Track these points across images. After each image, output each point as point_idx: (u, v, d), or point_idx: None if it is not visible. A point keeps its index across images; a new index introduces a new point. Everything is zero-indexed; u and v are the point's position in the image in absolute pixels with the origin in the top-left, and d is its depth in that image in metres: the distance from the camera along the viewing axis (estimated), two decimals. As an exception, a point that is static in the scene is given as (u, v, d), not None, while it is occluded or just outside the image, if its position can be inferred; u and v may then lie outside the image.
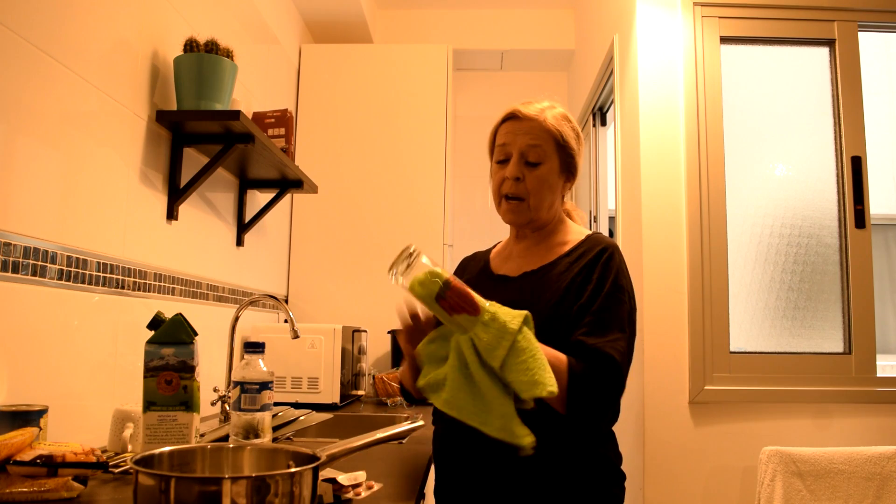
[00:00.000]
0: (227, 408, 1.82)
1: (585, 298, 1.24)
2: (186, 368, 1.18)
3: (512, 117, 1.35)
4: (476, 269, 1.47)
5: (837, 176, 2.28)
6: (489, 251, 1.51)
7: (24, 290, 1.24)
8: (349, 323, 2.70)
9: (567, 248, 1.34)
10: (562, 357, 1.17)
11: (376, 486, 1.14)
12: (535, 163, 1.32)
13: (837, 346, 2.23)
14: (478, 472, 1.25)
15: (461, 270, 1.53)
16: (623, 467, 1.33)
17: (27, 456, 0.98)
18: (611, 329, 1.21)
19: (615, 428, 1.33)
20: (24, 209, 1.25)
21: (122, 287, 1.57)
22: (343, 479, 1.08)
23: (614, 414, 1.27)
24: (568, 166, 1.36)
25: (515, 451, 1.22)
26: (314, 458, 0.84)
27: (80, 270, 1.40)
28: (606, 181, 3.18)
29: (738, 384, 2.16)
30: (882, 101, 5.13)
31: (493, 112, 1.43)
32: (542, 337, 1.21)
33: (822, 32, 2.33)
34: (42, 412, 1.14)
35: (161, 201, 1.78)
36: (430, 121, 3.18)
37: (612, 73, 2.70)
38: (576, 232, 1.40)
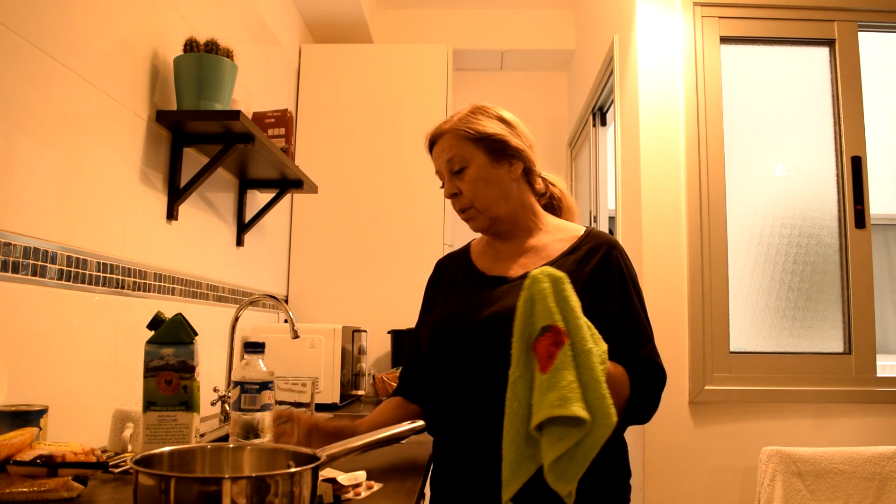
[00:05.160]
0: (227, 408, 1.82)
1: (615, 309, 1.24)
2: (186, 368, 1.18)
3: (430, 145, 1.38)
4: (460, 271, 1.40)
5: (837, 176, 2.28)
6: (466, 251, 1.44)
7: (24, 290, 1.24)
8: (349, 323, 2.70)
9: (566, 244, 1.31)
10: (625, 372, 1.20)
11: (376, 486, 1.14)
12: (459, 170, 1.32)
13: (837, 346, 2.23)
14: (484, 465, 1.24)
15: (440, 275, 1.45)
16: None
17: (27, 456, 0.98)
18: (647, 337, 1.26)
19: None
20: (24, 209, 1.25)
21: (122, 287, 1.57)
22: (343, 479, 1.08)
23: None
24: (499, 153, 1.31)
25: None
26: (314, 458, 0.84)
27: (80, 270, 1.40)
28: (606, 181, 3.18)
29: (738, 384, 2.16)
30: (882, 101, 5.13)
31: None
32: None
33: (822, 32, 2.33)
34: (42, 412, 1.14)
35: (161, 201, 1.78)
36: (430, 121, 3.10)
37: (612, 73, 2.70)
38: (565, 227, 1.36)
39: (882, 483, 1.99)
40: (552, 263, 1.28)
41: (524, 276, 1.27)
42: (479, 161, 1.30)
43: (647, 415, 1.25)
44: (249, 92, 2.45)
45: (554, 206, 1.44)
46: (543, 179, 1.43)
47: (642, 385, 1.21)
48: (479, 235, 1.46)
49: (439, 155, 1.35)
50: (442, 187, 1.37)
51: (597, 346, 1.07)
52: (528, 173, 1.36)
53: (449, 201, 1.38)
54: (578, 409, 0.98)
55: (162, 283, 1.77)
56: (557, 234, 1.34)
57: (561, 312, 1.04)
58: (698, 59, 2.29)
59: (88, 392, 1.45)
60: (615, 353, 1.19)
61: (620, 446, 1.30)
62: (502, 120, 1.34)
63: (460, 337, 1.27)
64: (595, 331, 1.09)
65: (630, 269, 1.29)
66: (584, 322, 1.06)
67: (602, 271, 1.25)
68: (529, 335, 1.05)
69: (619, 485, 1.28)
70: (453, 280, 1.39)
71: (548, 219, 1.38)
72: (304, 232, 3.12)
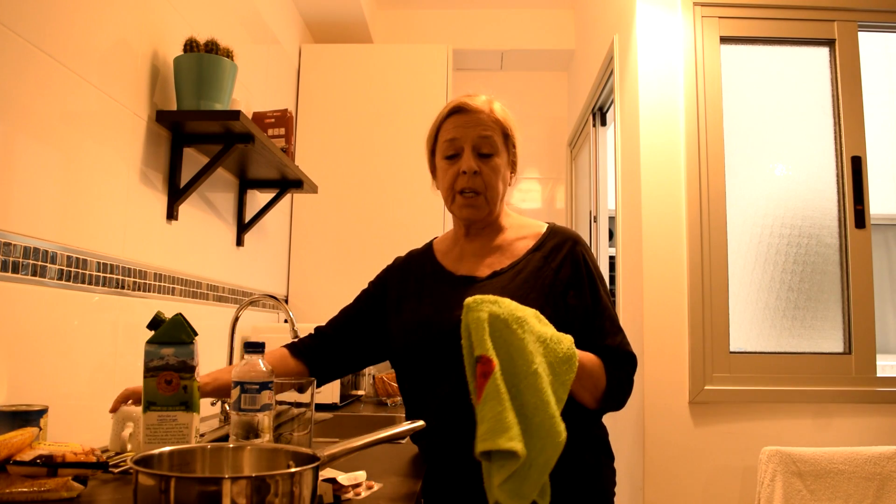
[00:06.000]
0: (227, 408, 1.82)
1: (588, 302, 1.27)
2: (186, 368, 1.18)
3: (458, 111, 1.33)
4: (426, 270, 1.40)
5: (837, 176, 2.28)
6: (429, 250, 1.45)
7: (24, 290, 1.24)
8: (349, 323, 2.70)
9: (530, 242, 1.34)
10: (599, 361, 1.24)
11: (376, 486, 1.14)
12: (488, 154, 1.31)
13: (837, 346, 2.23)
14: (467, 464, 1.24)
15: (403, 273, 1.44)
16: (623, 467, 1.35)
17: (27, 456, 0.98)
18: (617, 326, 1.29)
19: (614, 425, 1.35)
20: (24, 209, 1.25)
21: (122, 287, 1.57)
22: (343, 479, 1.08)
23: None
24: (512, 158, 1.37)
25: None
26: (314, 458, 0.84)
27: (80, 270, 1.40)
28: (606, 181, 3.18)
29: (738, 384, 2.16)
30: (882, 101, 5.13)
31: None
32: None
33: (822, 32, 2.33)
34: (42, 412, 1.14)
35: (161, 201, 1.78)
36: (430, 121, 3.15)
37: (612, 73, 2.70)
38: (527, 224, 1.39)
39: (882, 483, 1.99)
40: (518, 262, 1.31)
41: (493, 275, 1.30)
42: (503, 156, 1.34)
43: (623, 401, 1.29)
44: (249, 92, 2.45)
45: None
46: None
47: (618, 373, 1.26)
48: (441, 235, 1.49)
49: (471, 126, 1.31)
50: (450, 157, 1.33)
51: (559, 346, 1.10)
52: None
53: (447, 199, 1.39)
54: (504, 442, 0.99)
55: (162, 283, 1.77)
56: (520, 231, 1.37)
57: (494, 339, 1.05)
58: (698, 59, 2.28)
59: (88, 392, 1.45)
60: (589, 344, 1.24)
61: (600, 430, 1.33)
62: (516, 130, 1.39)
63: (435, 339, 1.28)
64: (552, 333, 1.12)
65: (594, 261, 1.33)
66: (534, 336, 1.08)
67: (569, 265, 1.28)
68: (472, 364, 1.07)
69: (602, 467, 1.30)
70: (420, 279, 1.39)
71: (511, 218, 1.41)
72: (304, 232, 3.12)
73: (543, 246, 1.32)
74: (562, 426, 1.04)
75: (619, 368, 1.26)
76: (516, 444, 1.00)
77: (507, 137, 1.34)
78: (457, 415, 1.22)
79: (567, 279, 1.27)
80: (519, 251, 1.33)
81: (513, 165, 1.38)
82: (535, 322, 1.12)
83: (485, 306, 1.07)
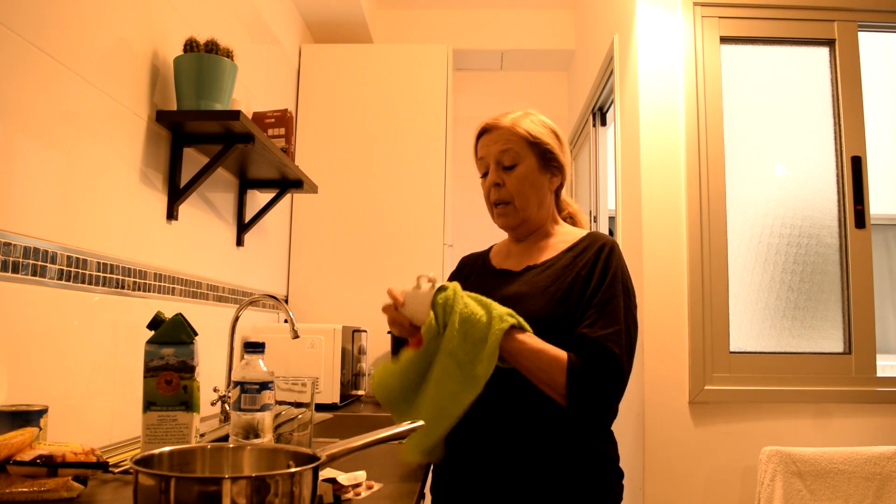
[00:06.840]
0: (227, 408, 1.82)
1: (588, 293, 1.27)
2: (186, 368, 1.18)
3: (483, 132, 1.42)
4: (477, 266, 1.51)
5: (837, 176, 2.28)
6: (488, 250, 1.55)
7: (24, 290, 1.24)
8: (349, 323, 2.70)
9: (568, 245, 1.38)
10: (561, 354, 1.20)
11: (376, 486, 1.14)
12: (510, 165, 1.38)
13: (837, 346, 2.23)
14: (476, 468, 1.26)
15: (460, 269, 1.56)
16: (623, 467, 1.33)
17: (27, 456, 0.98)
18: (610, 322, 1.23)
19: (615, 427, 1.34)
20: (24, 209, 1.25)
21: (122, 287, 1.57)
22: (343, 479, 1.08)
23: (613, 411, 1.29)
24: (548, 162, 1.40)
25: (514, 448, 1.24)
26: (314, 458, 0.84)
27: (80, 270, 1.40)
28: (606, 181, 3.18)
29: (738, 384, 2.16)
30: (882, 101, 5.13)
31: (493, 112, 1.45)
32: (547, 328, 1.24)
33: (822, 32, 2.33)
34: (42, 412, 1.14)
35: (161, 201, 1.78)
36: (430, 121, 3.18)
37: (612, 73, 2.70)
38: (574, 231, 1.44)
39: (882, 483, 1.99)
40: (551, 259, 1.36)
41: (526, 269, 1.37)
42: (529, 162, 1.38)
43: (597, 402, 1.20)
44: (249, 92, 2.45)
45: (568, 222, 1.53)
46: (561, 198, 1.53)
47: (584, 366, 1.19)
48: (500, 240, 1.56)
49: (492, 144, 1.40)
50: (483, 176, 1.43)
51: (472, 329, 1.20)
52: (559, 189, 1.46)
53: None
54: (376, 389, 1.31)
55: (162, 283, 1.77)
56: (564, 237, 1.42)
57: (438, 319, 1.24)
58: (698, 59, 2.28)
59: (88, 392, 1.45)
60: (570, 333, 1.24)
61: (605, 443, 1.30)
62: (555, 134, 1.42)
63: None
64: (471, 313, 1.22)
65: (619, 264, 1.32)
66: (470, 320, 1.21)
67: (591, 262, 1.31)
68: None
69: (608, 484, 1.28)
70: (470, 273, 1.51)
71: (561, 226, 1.47)
72: (304, 232, 3.12)
73: (577, 247, 1.36)
74: (437, 413, 1.18)
75: (586, 360, 1.19)
76: (380, 397, 1.30)
77: (533, 144, 1.37)
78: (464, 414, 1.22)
79: (586, 274, 1.30)
80: (556, 251, 1.38)
81: (551, 170, 1.41)
82: (462, 306, 1.24)
83: (451, 288, 1.27)
